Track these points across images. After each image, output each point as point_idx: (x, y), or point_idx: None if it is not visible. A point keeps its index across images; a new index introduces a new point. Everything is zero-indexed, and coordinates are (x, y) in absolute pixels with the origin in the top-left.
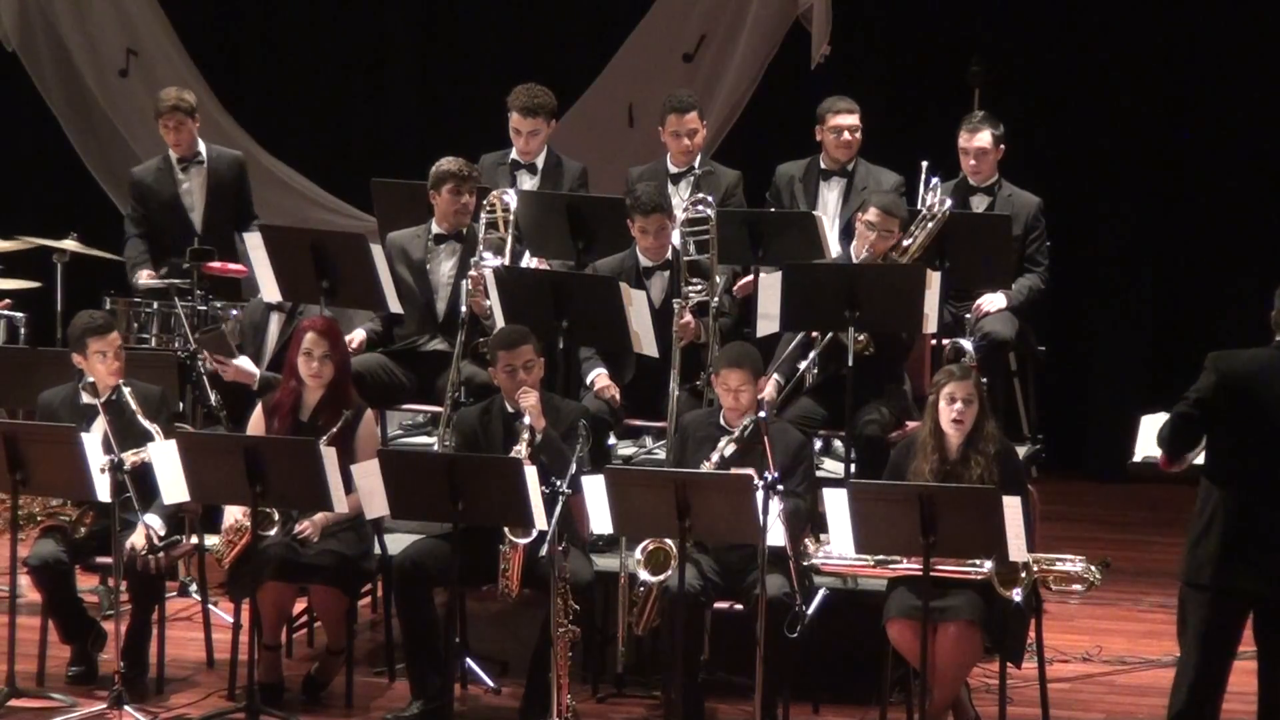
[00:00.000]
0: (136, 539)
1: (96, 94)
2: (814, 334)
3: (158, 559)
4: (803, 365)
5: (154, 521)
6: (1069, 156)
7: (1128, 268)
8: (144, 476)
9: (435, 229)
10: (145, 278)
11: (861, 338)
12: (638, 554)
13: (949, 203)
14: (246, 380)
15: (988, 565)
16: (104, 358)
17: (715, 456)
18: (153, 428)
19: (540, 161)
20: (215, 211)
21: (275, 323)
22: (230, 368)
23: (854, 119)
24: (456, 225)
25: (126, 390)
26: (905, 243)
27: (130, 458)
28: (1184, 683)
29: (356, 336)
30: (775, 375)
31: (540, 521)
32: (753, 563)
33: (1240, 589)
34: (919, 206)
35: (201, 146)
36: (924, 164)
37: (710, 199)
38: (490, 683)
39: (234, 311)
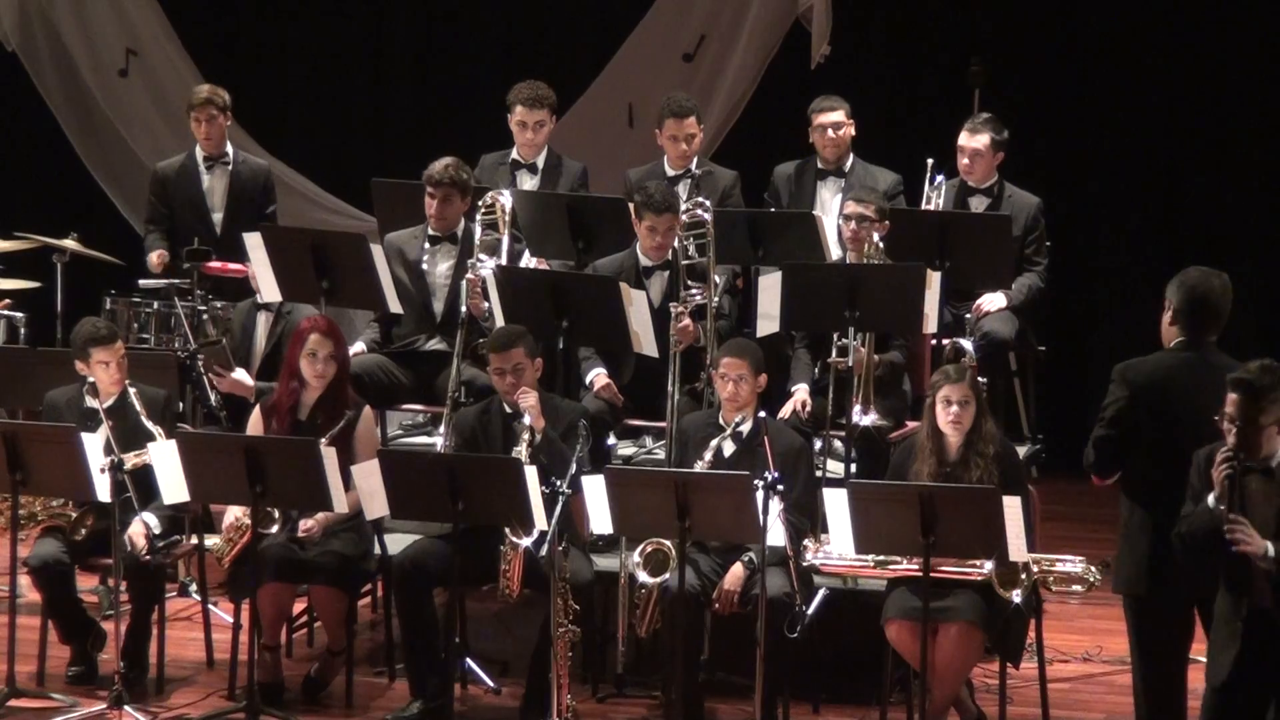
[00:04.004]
0: (135, 529)
1: (96, 94)
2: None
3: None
4: (817, 371)
5: (150, 520)
6: (1069, 156)
7: (1127, 268)
8: (144, 477)
9: (431, 229)
10: (156, 259)
11: (877, 357)
12: (636, 555)
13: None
14: (243, 393)
15: (988, 566)
16: (106, 367)
17: (708, 454)
18: (157, 430)
19: (540, 161)
20: (235, 216)
21: (263, 323)
22: (226, 379)
23: (838, 115)
24: (438, 230)
25: (132, 391)
26: None
27: (131, 459)
28: (1139, 692)
29: (355, 349)
30: (803, 384)
31: (540, 521)
32: None
33: (1175, 595)
34: (922, 205)
35: (230, 149)
36: (929, 162)
37: (708, 202)
38: (490, 683)
39: (218, 304)
